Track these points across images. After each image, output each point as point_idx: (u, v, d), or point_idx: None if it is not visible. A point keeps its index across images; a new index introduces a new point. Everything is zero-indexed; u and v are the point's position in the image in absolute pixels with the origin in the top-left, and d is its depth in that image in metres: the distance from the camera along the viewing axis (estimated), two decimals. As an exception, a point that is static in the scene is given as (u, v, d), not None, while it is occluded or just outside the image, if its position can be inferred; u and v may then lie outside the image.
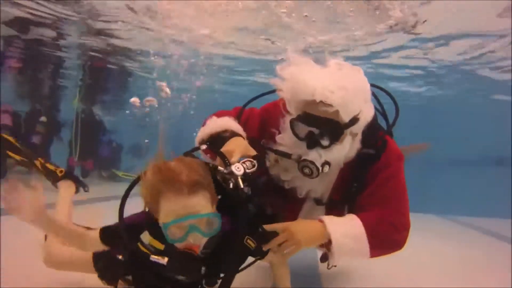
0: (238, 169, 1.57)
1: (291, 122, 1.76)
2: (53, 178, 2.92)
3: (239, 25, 5.52)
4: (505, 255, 4.13)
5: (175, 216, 1.37)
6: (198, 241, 1.44)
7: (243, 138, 1.85)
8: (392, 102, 1.94)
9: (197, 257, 1.46)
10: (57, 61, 8.07)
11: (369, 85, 1.74)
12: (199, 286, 1.69)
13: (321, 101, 1.61)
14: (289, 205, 2.01)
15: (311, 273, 2.71)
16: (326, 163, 1.72)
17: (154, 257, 1.47)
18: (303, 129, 1.73)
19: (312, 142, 1.70)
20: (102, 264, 1.89)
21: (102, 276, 1.92)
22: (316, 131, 1.69)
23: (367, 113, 1.73)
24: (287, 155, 1.78)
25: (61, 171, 2.95)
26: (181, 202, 1.36)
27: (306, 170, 1.71)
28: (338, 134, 1.70)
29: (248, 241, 1.66)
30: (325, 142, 1.69)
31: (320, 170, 1.70)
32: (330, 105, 1.60)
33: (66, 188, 2.84)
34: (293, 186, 1.91)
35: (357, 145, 1.84)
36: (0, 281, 1.95)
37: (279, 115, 1.91)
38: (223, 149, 1.71)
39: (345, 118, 1.66)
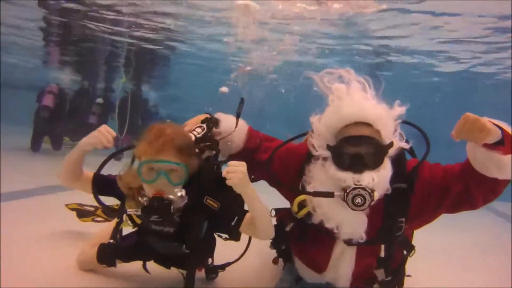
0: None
1: (334, 148, 1.73)
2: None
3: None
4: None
5: (149, 158, 1.71)
6: (166, 187, 1.71)
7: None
8: (423, 137, 1.90)
9: (166, 200, 1.71)
10: (109, 41, 8.21)
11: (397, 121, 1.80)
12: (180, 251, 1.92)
13: (359, 122, 1.69)
14: (320, 248, 2.01)
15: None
16: (373, 190, 1.67)
17: (130, 210, 1.81)
18: (347, 154, 1.69)
19: (359, 164, 1.67)
20: (103, 252, 2.15)
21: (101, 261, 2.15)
22: (362, 151, 1.67)
23: (398, 143, 1.78)
24: (329, 194, 1.73)
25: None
26: (156, 149, 1.69)
27: (358, 200, 1.65)
28: (383, 154, 1.71)
29: (208, 201, 1.85)
30: (372, 164, 1.68)
31: (373, 197, 1.65)
32: (370, 125, 1.69)
33: None
34: (340, 229, 1.84)
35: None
36: (0, 281, 1.96)
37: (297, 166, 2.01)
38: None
39: (386, 139, 1.73)
